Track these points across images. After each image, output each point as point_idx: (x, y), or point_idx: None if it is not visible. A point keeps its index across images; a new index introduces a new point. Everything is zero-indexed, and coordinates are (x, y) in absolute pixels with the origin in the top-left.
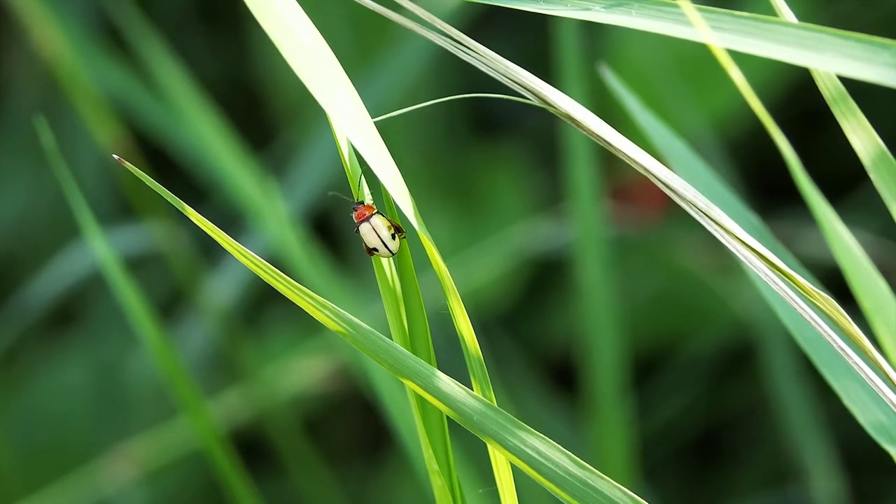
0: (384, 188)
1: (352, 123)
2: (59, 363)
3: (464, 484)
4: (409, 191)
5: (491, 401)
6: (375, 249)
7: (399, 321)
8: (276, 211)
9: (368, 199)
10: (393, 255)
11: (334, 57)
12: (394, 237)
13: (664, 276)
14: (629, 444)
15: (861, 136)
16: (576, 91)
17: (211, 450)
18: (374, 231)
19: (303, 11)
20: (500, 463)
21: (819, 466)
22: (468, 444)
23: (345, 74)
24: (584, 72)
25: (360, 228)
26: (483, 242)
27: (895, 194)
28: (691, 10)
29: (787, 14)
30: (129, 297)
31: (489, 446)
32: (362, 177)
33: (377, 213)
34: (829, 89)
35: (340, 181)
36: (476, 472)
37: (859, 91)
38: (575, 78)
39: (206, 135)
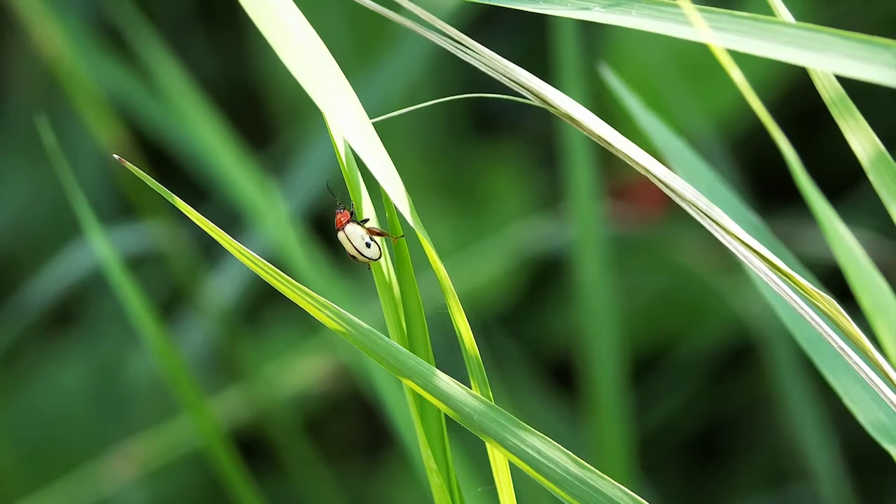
0: (382, 190)
1: (350, 126)
2: (59, 363)
3: (462, 483)
4: (409, 191)
5: (489, 400)
6: (354, 257)
7: (397, 321)
8: (275, 210)
9: (367, 207)
10: (373, 260)
11: (332, 59)
12: (368, 245)
13: (664, 276)
14: (629, 442)
15: (860, 138)
16: (574, 91)
17: (213, 448)
18: (349, 240)
19: (300, 13)
20: (499, 462)
21: (822, 465)
22: (468, 443)
23: (343, 76)
24: (584, 71)
25: (338, 237)
26: (483, 242)
27: (894, 195)
28: (691, 10)
29: (785, 14)
30: (131, 295)
31: (488, 445)
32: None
33: (352, 221)
34: (828, 90)
35: (340, 181)
36: (476, 471)
37: (858, 91)
38: (573, 78)
39: (205, 135)
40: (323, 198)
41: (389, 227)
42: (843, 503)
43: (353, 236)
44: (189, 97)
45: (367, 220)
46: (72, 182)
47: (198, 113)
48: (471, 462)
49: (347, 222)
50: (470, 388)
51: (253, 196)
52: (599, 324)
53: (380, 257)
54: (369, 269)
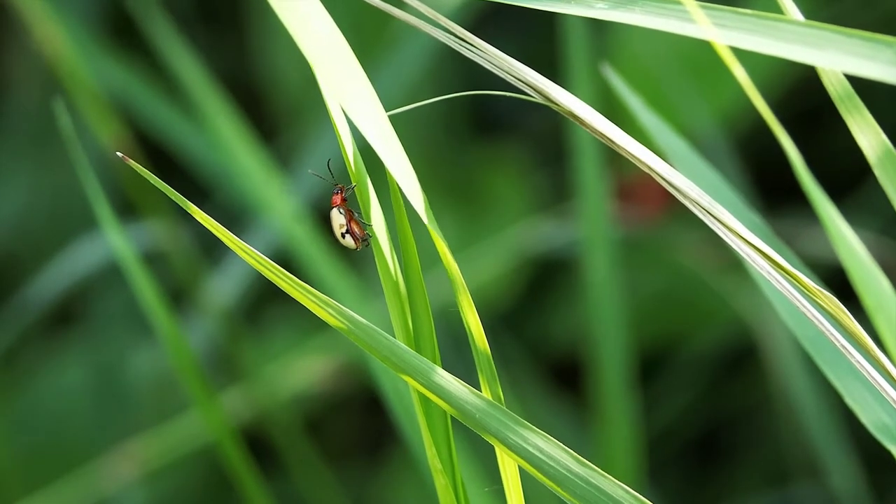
0: (393, 181)
1: (366, 116)
2: (59, 363)
3: (468, 483)
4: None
5: (498, 396)
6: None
7: (403, 319)
8: (282, 204)
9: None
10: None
11: (349, 49)
12: (343, 236)
13: (666, 275)
14: (634, 443)
15: (867, 134)
16: (583, 88)
17: (221, 443)
18: (331, 221)
19: (322, 7)
20: (507, 462)
21: (835, 462)
22: (473, 443)
23: (360, 67)
24: (587, 69)
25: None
26: (484, 242)
27: None
28: (695, 8)
29: (794, 12)
30: (143, 287)
31: (495, 446)
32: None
33: (339, 206)
34: (835, 87)
35: (342, 179)
36: (481, 470)
37: (860, 89)
38: (583, 75)
39: (219, 124)
40: (326, 197)
41: (397, 222)
42: (855, 499)
43: (333, 222)
44: (205, 87)
45: (353, 213)
46: (87, 171)
47: (213, 103)
48: (476, 461)
49: (333, 207)
50: (473, 386)
51: (264, 189)
52: (607, 324)
53: (355, 249)
54: (367, 245)
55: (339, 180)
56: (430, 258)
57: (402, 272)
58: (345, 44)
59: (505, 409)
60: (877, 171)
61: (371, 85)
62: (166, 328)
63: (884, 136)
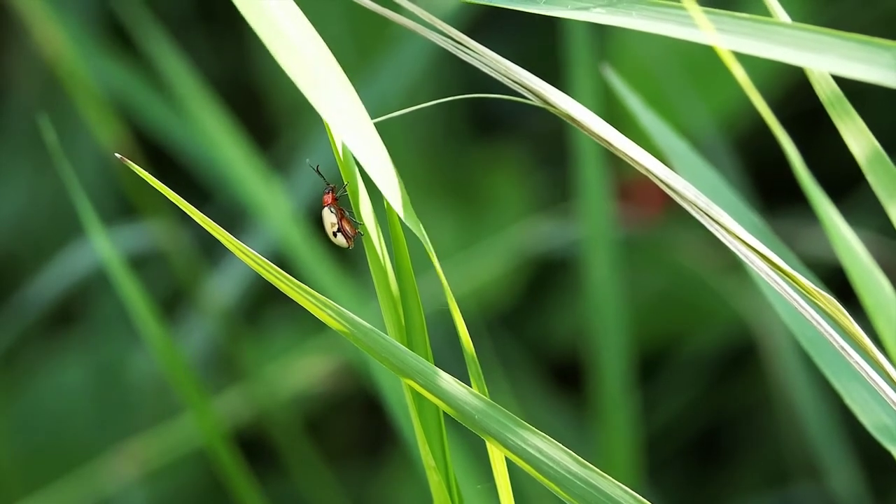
0: (380, 190)
1: (348, 127)
2: (59, 363)
3: (463, 480)
4: (411, 191)
5: (485, 394)
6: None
7: (396, 318)
8: (280, 207)
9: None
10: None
11: (332, 58)
12: (335, 234)
13: (665, 276)
14: (634, 443)
15: (857, 138)
16: (585, 91)
17: (214, 447)
18: (323, 221)
19: (300, 11)
20: (497, 460)
21: (834, 462)
22: (470, 440)
23: (344, 76)
24: (588, 71)
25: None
26: (484, 242)
27: (892, 195)
28: (696, 12)
29: (782, 15)
30: (133, 294)
31: (487, 443)
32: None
33: (331, 205)
34: (825, 91)
35: (335, 180)
36: (478, 467)
37: (859, 91)
38: (585, 78)
39: (212, 130)
40: (322, 198)
41: (389, 222)
42: (855, 499)
43: (325, 221)
44: (196, 92)
45: (345, 212)
46: (73, 181)
47: (205, 108)
48: (472, 459)
49: (325, 206)
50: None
51: (258, 192)
52: (607, 324)
53: (347, 247)
54: (357, 244)
55: (332, 180)
56: (427, 257)
57: (394, 272)
58: (327, 52)
59: (504, 409)
60: (867, 175)
61: (352, 86)
62: (155, 334)
63: (874, 140)
